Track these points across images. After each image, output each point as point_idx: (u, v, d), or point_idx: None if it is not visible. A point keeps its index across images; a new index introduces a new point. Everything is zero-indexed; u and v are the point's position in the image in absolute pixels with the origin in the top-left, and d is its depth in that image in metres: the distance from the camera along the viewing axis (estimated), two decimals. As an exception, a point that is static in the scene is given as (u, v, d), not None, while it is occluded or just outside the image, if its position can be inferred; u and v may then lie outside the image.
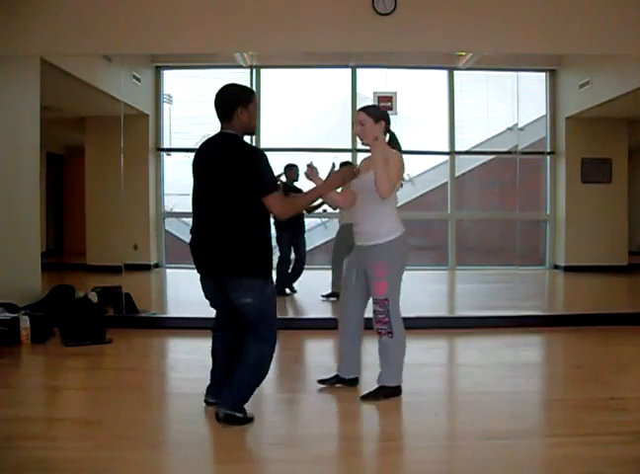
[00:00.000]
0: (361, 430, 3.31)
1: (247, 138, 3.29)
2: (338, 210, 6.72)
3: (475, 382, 3.99)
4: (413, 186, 8.58)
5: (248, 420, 3.16)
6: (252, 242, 3.08)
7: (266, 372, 3.22)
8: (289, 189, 6.52)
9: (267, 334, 3.20)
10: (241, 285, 3.07)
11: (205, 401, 3.39)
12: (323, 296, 6.74)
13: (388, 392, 3.53)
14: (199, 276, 3.25)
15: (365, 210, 3.54)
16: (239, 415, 3.14)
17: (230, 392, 3.16)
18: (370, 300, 3.60)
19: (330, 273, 6.78)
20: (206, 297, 3.30)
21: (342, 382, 3.74)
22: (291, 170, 6.92)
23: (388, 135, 3.64)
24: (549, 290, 8.33)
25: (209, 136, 3.22)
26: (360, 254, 3.60)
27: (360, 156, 8.45)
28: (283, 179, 6.91)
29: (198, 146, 3.25)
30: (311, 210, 6.83)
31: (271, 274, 3.23)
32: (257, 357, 3.18)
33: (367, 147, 3.61)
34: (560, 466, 2.73)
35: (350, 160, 7.30)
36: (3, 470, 2.62)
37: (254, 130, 3.28)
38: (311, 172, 3.54)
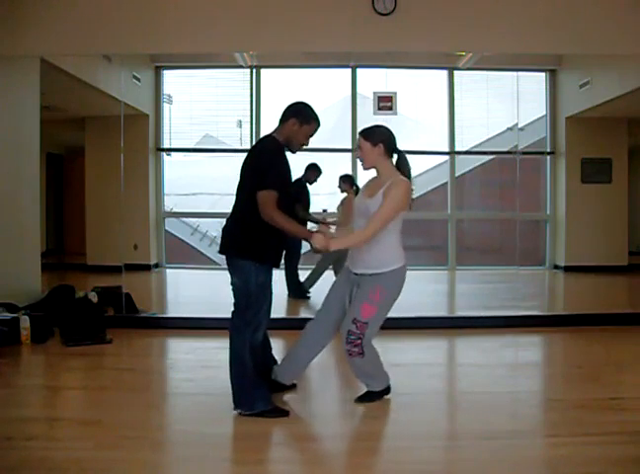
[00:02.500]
0: (361, 429, 3.30)
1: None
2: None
3: (475, 382, 4.00)
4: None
5: (258, 414, 3.21)
6: (248, 227, 3.21)
7: (243, 368, 3.23)
8: (297, 186, 6.21)
9: (242, 325, 3.25)
10: (232, 264, 3.27)
11: None
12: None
13: (374, 397, 3.51)
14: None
15: None
16: (242, 411, 3.24)
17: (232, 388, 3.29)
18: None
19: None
20: None
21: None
22: (311, 170, 6.64)
23: (396, 156, 3.40)
24: (549, 290, 8.32)
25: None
26: (354, 282, 3.36)
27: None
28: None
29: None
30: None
31: (264, 262, 3.25)
32: (232, 352, 3.27)
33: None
34: (560, 466, 2.73)
35: (349, 173, 7.05)
36: (3, 470, 2.62)
37: (293, 148, 3.36)
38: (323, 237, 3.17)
